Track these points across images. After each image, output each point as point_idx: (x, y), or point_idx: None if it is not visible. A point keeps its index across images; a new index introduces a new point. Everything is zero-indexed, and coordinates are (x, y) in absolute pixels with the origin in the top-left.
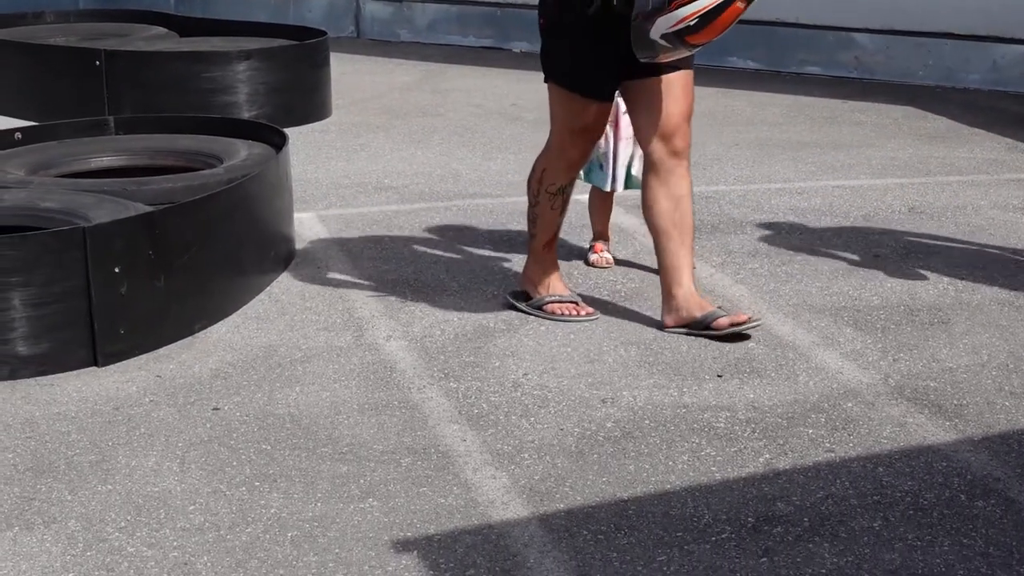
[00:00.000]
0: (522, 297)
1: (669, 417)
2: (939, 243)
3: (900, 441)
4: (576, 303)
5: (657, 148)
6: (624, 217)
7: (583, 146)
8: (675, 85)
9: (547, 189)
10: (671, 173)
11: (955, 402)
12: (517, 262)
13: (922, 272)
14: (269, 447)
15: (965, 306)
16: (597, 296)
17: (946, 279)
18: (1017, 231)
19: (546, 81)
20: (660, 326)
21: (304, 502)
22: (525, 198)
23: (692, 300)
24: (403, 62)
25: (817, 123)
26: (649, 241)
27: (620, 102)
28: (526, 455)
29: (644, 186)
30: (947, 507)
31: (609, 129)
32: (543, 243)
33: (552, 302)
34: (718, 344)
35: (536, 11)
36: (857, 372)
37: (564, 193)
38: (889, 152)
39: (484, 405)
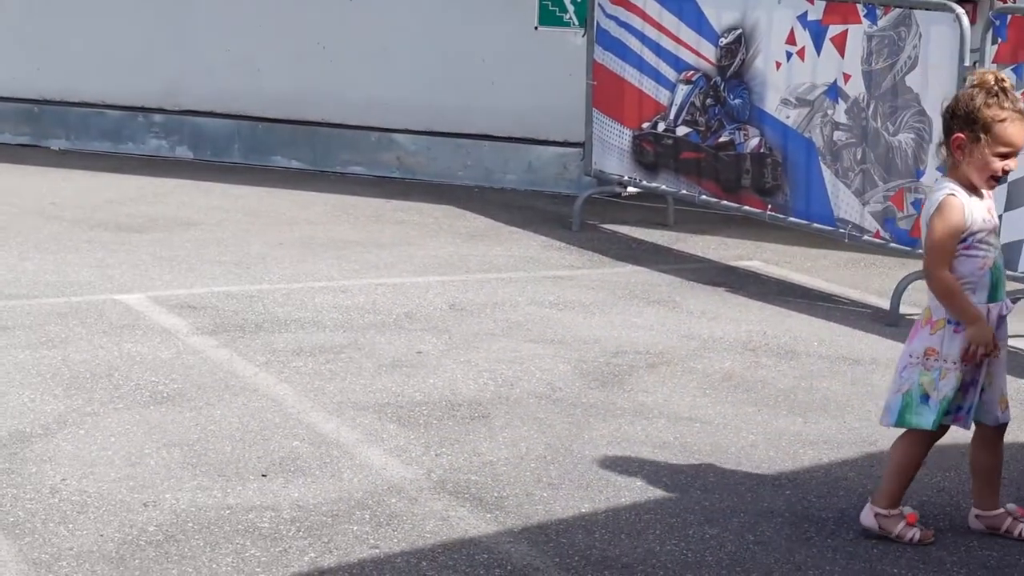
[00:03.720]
0: None
1: (213, 519)
2: (479, 339)
3: (443, 535)
4: None
5: None
6: (166, 317)
7: None
8: None
9: None
10: None
11: (495, 494)
12: (40, 361)
13: (463, 368)
14: None
15: (504, 400)
16: (139, 397)
17: (486, 374)
18: (552, 326)
19: None
20: (207, 427)
21: None
22: (62, 299)
23: None
24: None
25: (360, 222)
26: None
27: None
28: (64, 563)
29: None
30: None
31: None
32: None
33: None
34: (262, 443)
35: None
36: (401, 468)
37: None
38: (431, 250)
39: (20, 513)
